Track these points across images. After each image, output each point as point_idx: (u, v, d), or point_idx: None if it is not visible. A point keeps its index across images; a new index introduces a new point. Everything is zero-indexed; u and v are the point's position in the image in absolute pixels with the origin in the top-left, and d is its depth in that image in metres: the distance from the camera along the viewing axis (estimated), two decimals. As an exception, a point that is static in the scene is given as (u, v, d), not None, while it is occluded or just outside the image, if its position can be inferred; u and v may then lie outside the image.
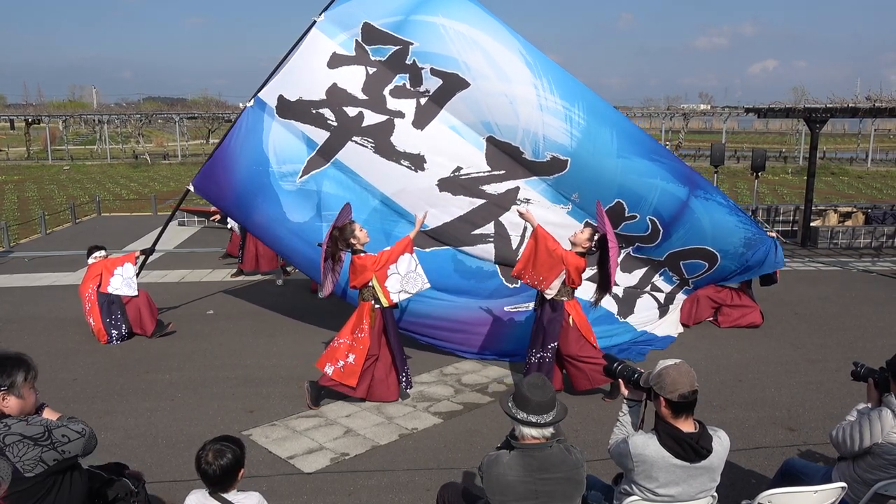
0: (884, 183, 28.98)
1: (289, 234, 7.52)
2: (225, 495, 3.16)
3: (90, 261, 8.48)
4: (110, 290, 8.23)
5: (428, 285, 6.49)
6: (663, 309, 8.48)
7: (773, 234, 8.45)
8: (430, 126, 7.43)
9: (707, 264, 8.21)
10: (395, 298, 6.33)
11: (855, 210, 15.41)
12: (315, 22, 7.41)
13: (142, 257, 8.82)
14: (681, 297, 8.69)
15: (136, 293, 8.33)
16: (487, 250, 7.72)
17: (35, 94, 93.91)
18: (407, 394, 6.61)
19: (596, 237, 6.39)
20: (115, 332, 8.23)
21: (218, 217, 13.18)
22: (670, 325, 8.53)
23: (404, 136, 7.40)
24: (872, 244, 14.23)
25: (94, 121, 48.45)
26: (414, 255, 6.44)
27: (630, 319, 8.22)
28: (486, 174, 7.54)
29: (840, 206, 15.96)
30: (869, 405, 3.87)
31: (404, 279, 6.32)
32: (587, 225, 6.78)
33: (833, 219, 15.28)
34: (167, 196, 23.71)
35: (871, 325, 8.91)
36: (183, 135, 46.15)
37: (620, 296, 8.16)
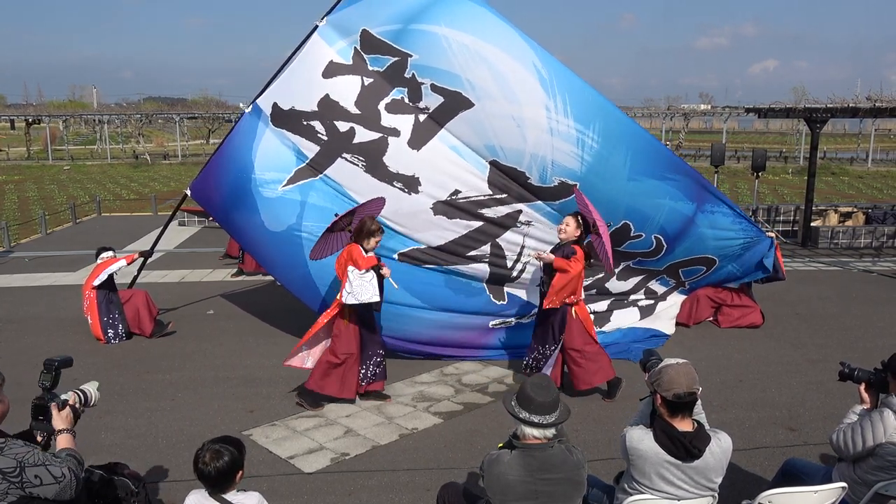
0: (884, 183, 28.99)
1: (265, 242, 7.36)
2: (225, 495, 3.15)
3: (98, 261, 8.45)
4: (95, 282, 8.18)
5: (377, 299, 6.18)
6: (647, 309, 8.44)
7: (772, 235, 8.44)
8: (428, 145, 7.07)
9: (705, 268, 8.20)
10: (345, 299, 6.14)
11: (855, 210, 15.41)
12: (317, 27, 7.11)
13: (140, 259, 8.83)
14: (677, 297, 8.68)
15: (104, 279, 8.19)
16: (481, 269, 7.55)
17: (35, 94, 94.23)
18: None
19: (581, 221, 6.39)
20: (111, 332, 8.23)
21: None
22: (666, 322, 8.52)
23: (398, 156, 7.07)
24: (873, 244, 14.23)
25: (94, 121, 48.54)
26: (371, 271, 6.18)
27: (605, 328, 8.13)
28: (487, 197, 7.25)
29: (840, 206, 15.95)
30: (865, 407, 3.85)
31: (356, 284, 6.11)
32: (572, 216, 6.48)
33: (833, 219, 15.28)
34: (167, 196, 23.70)
35: (871, 326, 8.90)
36: (183, 135, 46.20)
37: (595, 310, 8.06)
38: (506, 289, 7.71)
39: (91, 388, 3.55)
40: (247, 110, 7.47)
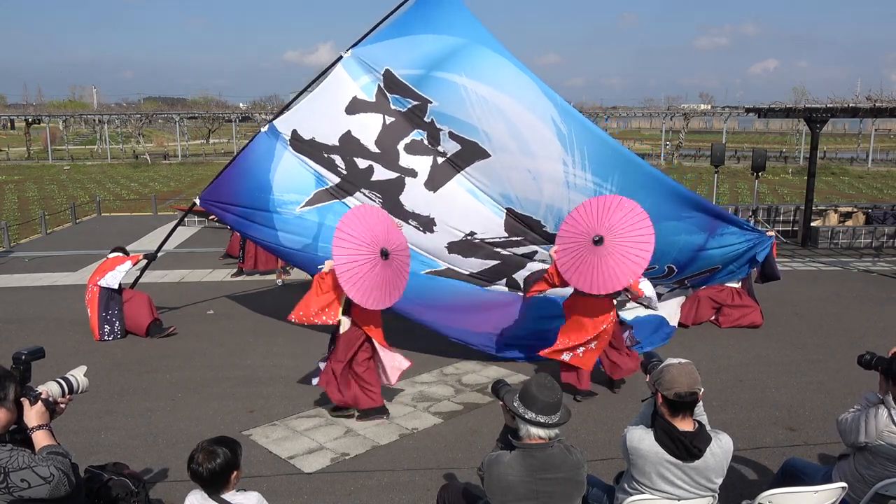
0: (884, 183, 28.97)
1: (285, 257, 7.60)
2: (224, 496, 3.14)
3: (110, 255, 8.64)
4: (100, 282, 8.31)
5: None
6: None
7: (772, 233, 8.44)
8: (445, 187, 7.19)
9: (709, 273, 8.25)
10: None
11: (855, 210, 15.41)
12: (341, 57, 7.17)
13: (144, 261, 8.87)
14: (681, 292, 8.69)
15: (113, 286, 8.33)
16: (500, 289, 7.77)
17: (35, 94, 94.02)
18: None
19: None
20: (106, 328, 8.28)
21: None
22: (670, 311, 8.55)
23: (414, 196, 7.21)
24: (873, 244, 14.23)
25: (94, 121, 48.52)
26: None
27: (624, 313, 8.19)
28: (503, 239, 7.37)
29: (840, 206, 15.95)
30: (878, 394, 3.82)
31: None
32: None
33: (833, 219, 15.27)
34: (167, 196, 23.71)
35: (871, 326, 8.90)
36: (183, 135, 46.17)
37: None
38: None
39: (77, 373, 3.38)
40: (263, 129, 7.56)
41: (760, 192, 22.58)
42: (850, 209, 15.50)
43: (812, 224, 14.58)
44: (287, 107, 7.51)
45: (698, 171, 31.69)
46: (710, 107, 50.81)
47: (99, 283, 8.31)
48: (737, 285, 8.86)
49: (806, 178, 15.26)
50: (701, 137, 51.54)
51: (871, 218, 15.02)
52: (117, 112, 47.95)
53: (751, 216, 14.74)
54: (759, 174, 15.59)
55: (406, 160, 7.17)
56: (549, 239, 7.31)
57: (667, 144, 41.43)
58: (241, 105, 57.63)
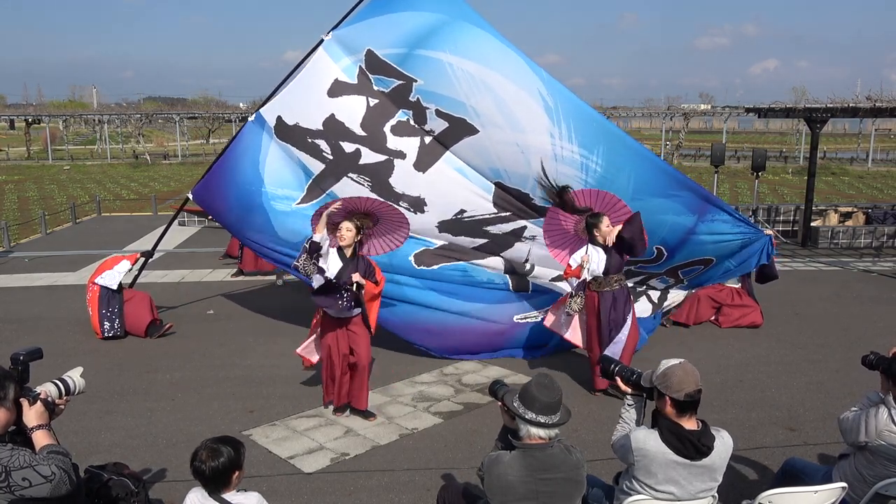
0: (884, 183, 28.97)
1: (279, 249, 7.47)
2: (224, 495, 3.14)
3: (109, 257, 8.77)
4: (97, 280, 8.34)
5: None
6: (656, 305, 8.50)
7: (771, 232, 8.42)
8: (434, 167, 7.18)
9: (703, 266, 8.23)
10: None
11: (855, 210, 15.40)
12: (322, 40, 7.13)
13: (142, 259, 8.89)
14: (677, 292, 8.67)
15: (113, 287, 8.35)
16: (497, 261, 7.77)
17: (35, 94, 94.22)
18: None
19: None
20: (107, 325, 8.29)
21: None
22: (673, 300, 8.57)
23: (404, 178, 7.17)
24: (873, 244, 14.23)
25: (94, 121, 48.55)
26: None
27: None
28: (492, 216, 7.39)
29: (840, 206, 15.95)
30: (880, 393, 3.83)
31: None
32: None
33: (833, 219, 15.27)
34: (167, 196, 23.70)
35: (871, 325, 8.90)
36: (183, 135, 46.19)
37: None
38: (529, 278, 7.87)
39: (74, 374, 3.39)
40: (250, 118, 7.49)
41: (760, 192, 22.57)
42: (850, 209, 15.50)
43: (812, 224, 14.57)
44: (273, 93, 7.43)
45: (698, 171, 31.66)
46: (710, 107, 50.84)
47: (96, 281, 8.34)
48: (737, 285, 8.86)
49: (806, 178, 15.27)
50: (701, 137, 51.48)
51: (871, 218, 15.02)
52: (117, 112, 47.95)
53: (751, 216, 14.74)
54: (759, 174, 15.58)
55: (393, 142, 7.12)
56: (538, 211, 7.33)
57: (667, 144, 41.43)
58: (241, 105, 57.53)
